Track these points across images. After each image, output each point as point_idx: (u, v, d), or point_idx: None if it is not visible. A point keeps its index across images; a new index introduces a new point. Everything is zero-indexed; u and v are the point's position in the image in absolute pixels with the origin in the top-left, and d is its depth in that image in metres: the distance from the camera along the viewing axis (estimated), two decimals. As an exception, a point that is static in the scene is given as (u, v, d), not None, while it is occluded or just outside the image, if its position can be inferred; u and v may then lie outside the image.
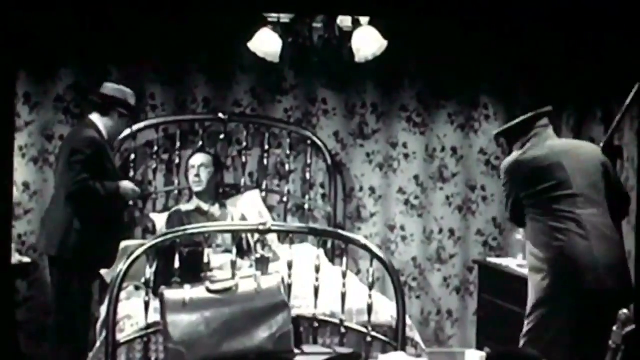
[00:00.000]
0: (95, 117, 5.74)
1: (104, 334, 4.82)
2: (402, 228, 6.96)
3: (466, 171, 7.02)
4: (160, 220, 6.42)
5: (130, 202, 6.20)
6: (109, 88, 5.79)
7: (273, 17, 6.19)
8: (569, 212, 4.61)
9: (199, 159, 6.23)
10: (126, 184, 5.76)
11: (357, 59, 6.22)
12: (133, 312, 4.99)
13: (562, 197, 4.65)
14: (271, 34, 6.22)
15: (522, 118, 4.83)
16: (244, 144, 6.73)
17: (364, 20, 6.25)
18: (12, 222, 5.37)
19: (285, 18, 6.21)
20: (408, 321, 5.07)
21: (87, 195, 5.56)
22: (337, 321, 4.96)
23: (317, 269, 4.93)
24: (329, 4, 5.12)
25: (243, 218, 6.17)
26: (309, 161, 6.79)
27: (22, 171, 6.35)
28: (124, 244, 5.56)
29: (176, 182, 6.67)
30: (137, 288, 5.50)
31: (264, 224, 4.90)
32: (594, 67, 6.06)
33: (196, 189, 6.19)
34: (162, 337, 4.64)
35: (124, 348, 4.79)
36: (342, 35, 6.37)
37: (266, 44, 6.23)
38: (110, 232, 5.67)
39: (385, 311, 5.13)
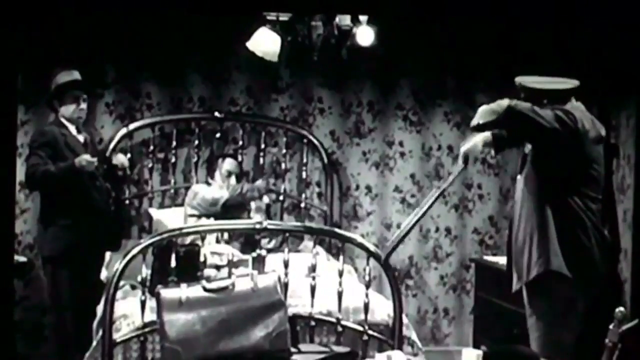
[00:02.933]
0: (61, 110, 5.73)
1: (100, 334, 4.81)
2: (399, 226, 6.93)
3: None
4: (158, 215, 6.43)
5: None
6: (53, 81, 5.75)
7: (272, 15, 6.18)
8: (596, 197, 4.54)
9: (234, 166, 6.33)
10: (80, 157, 5.57)
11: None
12: (129, 312, 4.99)
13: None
14: (270, 33, 6.20)
15: (569, 85, 4.56)
16: (240, 142, 6.73)
17: (363, 18, 6.25)
18: (14, 222, 5.38)
19: (284, 17, 6.20)
20: (404, 320, 5.07)
21: (38, 178, 5.54)
22: (333, 320, 4.96)
23: (314, 268, 4.93)
24: (328, 2, 5.13)
25: None
26: (305, 160, 6.79)
27: (18, 170, 6.32)
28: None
29: (172, 181, 6.67)
30: (133, 287, 5.51)
31: (260, 223, 4.91)
32: (590, 64, 6.07)
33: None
34: (158, 336, 4.64)
35: (120, 347, 4.79)
36: (340, 33, 6.37)
37: (265, 43, 6.21)
38: (92, 226, 5.60)
39: (382, 310, 5.13)
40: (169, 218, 6.35)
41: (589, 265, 4.43)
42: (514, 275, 4.62)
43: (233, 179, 6.26)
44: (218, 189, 6.17)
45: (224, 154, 6.51)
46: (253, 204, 6.35)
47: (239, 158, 6.63)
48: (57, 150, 5.60)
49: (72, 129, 5.74)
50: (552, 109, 4.41)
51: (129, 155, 6.53)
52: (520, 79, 4.65)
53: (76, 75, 5.75)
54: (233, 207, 6.12)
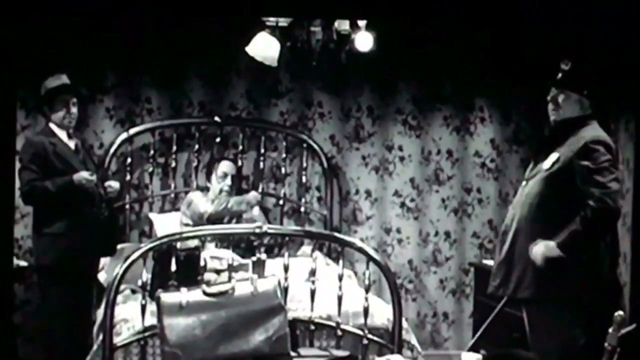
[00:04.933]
0: (53, 117, 5.67)
1: (100, 338, 4.82)
2: (398, 231, 6.97)
3: (462, 174, 7.03)
4: (158, 221, 6.43)
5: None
6: (42, 87, 5.68)
7: (271, 20, 6.19)
8: None
9: (230, 167, 6.28)
10: (79, 174, 5.52)
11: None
12: (130, 316, 5.00)
13: None
14: (269, 38, 6.21)
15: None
16: (240, 147, 6.73)
17: (362, 23, 6.26)
18: (14, 226, 5.37)
19: (283, 22, 6.21)
20: (404, 324, 5.08)
21: (37, 195, 5.50)
22: (333, 324, 4.97)
23: (313, 272, 4.94)
24: (327, 7, 5.13)
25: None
26: (304, 164, 6.79)
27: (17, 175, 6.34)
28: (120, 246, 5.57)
29: (172, 185, 6.68)
30: (133, 291, 5.51)
31: (260, 227, 4.92)
32: (589, 67, 6.07)
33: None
34: (158, 340, 4.65)
35: (120, 351, 4.80)
36: (339, 38, 6.38)
37: (264, 47, 6.22)
38: (86, 234, 5.56)
39: (382, 314, 5.14)
40: (169, 223, 6.35)
41: (592, 292, 4.43)
42: (495, 277, 4.64)
43: (229, 180, 6.22)
44: (205, 202, 6.12)
45: (221, 157, 6.51)
46: (245, 215, 6.31)
47: (239, 162, 6.64)
48: (47, 161, 5.54)
49: (63, 135, 5.67)
50: (602, 166, 4.38)
51: (129, 159, 6.55)
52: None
53: (64, 79, 5.68)
54: (219, 221, 6.06)
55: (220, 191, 6.20)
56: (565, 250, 4.39)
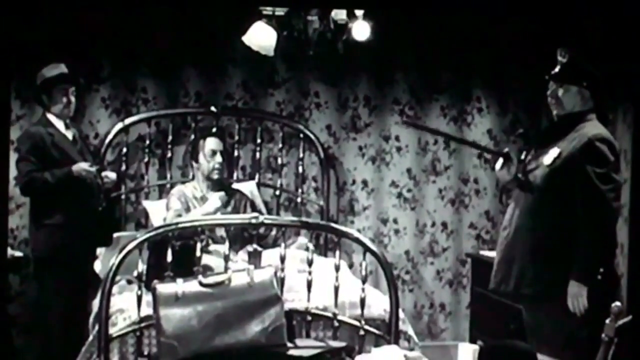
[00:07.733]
0: (52, 108, 5.65)
1: (96, 328, 4.81)
2: (395, 221, 6.96)
3: (459, 164, 7.02)
4: (153, 208, 6.40)
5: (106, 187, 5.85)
6: (38, 76, 5.66)
7: (268, 10, 6.17)
8: None
9: (217, 144, 6.10)
10: (78, 165, 5.54)
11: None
12: (125, 306, 4.99)
13: None
14: (266, 27, 6.19)
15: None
16: (236, 137, 6.72)
17: (359, 13, 6.24)
18: (7, 217, 5.36)
19: (280, 11, 6.19)
20: (401, 314, 5.08)
21: (36, 186, 5.51)
22: (330, 315, 4.96)
23: (310, 263, 4.93)
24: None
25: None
26: (301, 155, 6.78)
27: (13, 165, 6.31)
28: (116, 235, 5.55)
29: (169, 175, 6.66)
30: (129, 282, 5.50)
31: (257, 218, 4.90)
32: (586, 57, 6.06)
33: (215, 176, 6.05)
34: (154, 331, 4.64)
35: (116, 342, 4.80)
36: (336, 28, 6.36)
37: (261, 37, 6.19)
38: (83, 224, 5.57)
39: (378, 304, 5.14)
40: (162, 209, 6.29)
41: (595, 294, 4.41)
42: (496, 274, 4.63)
43: (218, 157, 6.06)
44: (173, 213, 5.95)
45: (206, 133, 6.36)
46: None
47: (235, 153, 6.62)
48: (45, 152, 5.54)
49: (60, 125, 5.67)
50: (605, 172, 4.35)
51: (125, 150, 6.53)
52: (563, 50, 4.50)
53: (63, 68, 5.67)
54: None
55: (212, 169, 6.03)
56: (587, 279, 4.35)
